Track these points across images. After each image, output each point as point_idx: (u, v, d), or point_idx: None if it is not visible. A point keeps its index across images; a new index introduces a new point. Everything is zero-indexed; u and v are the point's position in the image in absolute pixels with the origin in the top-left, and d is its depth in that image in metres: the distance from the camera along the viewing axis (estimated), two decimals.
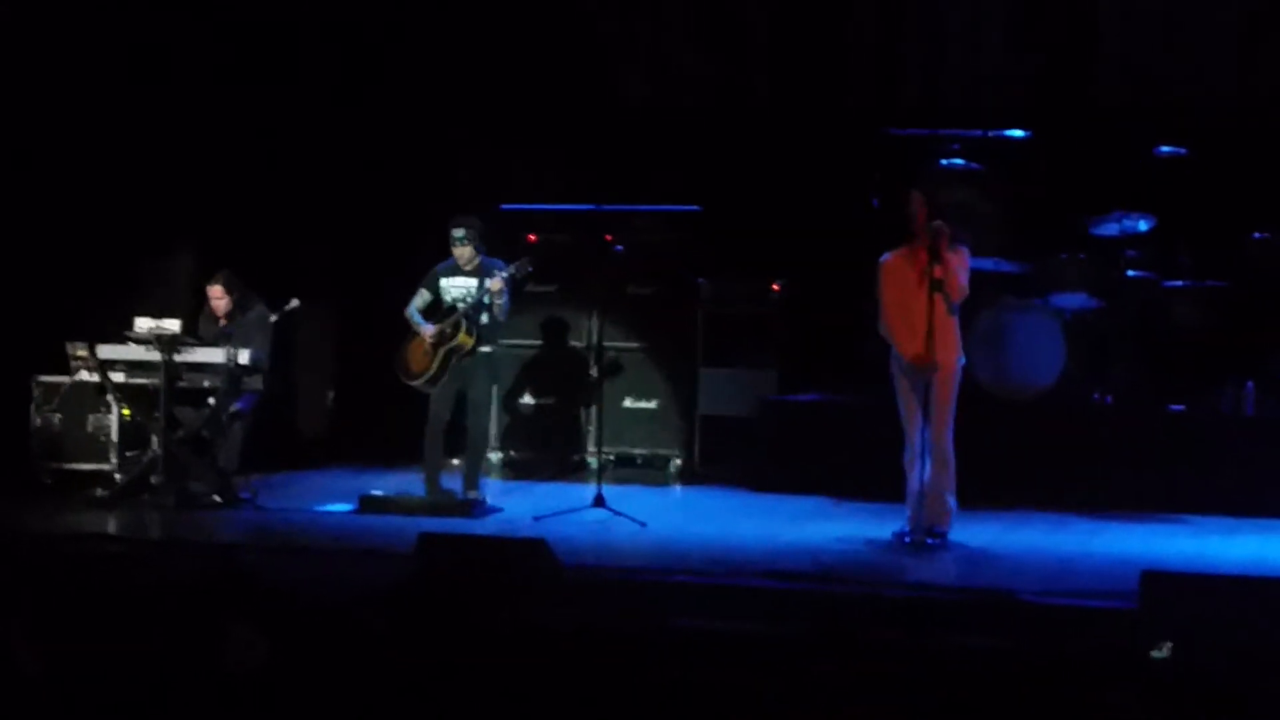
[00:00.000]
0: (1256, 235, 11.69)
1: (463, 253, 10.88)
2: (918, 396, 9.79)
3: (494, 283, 10.73)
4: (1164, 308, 11.65)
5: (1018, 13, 12.86)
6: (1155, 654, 6.90)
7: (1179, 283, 11.69)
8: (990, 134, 12.14)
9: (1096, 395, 11.62)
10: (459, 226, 10.87)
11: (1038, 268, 11.74)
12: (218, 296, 11.31)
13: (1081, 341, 11.52)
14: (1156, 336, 11.64)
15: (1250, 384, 11.34)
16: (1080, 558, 9.61)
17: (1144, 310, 11.65)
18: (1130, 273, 11.71)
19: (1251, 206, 11.79)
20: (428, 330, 10.88)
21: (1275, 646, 6.91)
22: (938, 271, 9.66)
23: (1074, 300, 11.60)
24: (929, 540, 9.74)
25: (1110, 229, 11.71)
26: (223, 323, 11.34)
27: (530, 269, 11.03)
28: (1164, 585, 7.31)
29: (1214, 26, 12.53)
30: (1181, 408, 11.43)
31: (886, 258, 9.94)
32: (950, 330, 9.82)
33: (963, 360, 9.94)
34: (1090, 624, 7.96)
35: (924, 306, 9.66)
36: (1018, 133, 12.16)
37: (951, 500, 9.86)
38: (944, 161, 12.03)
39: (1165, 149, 11.72)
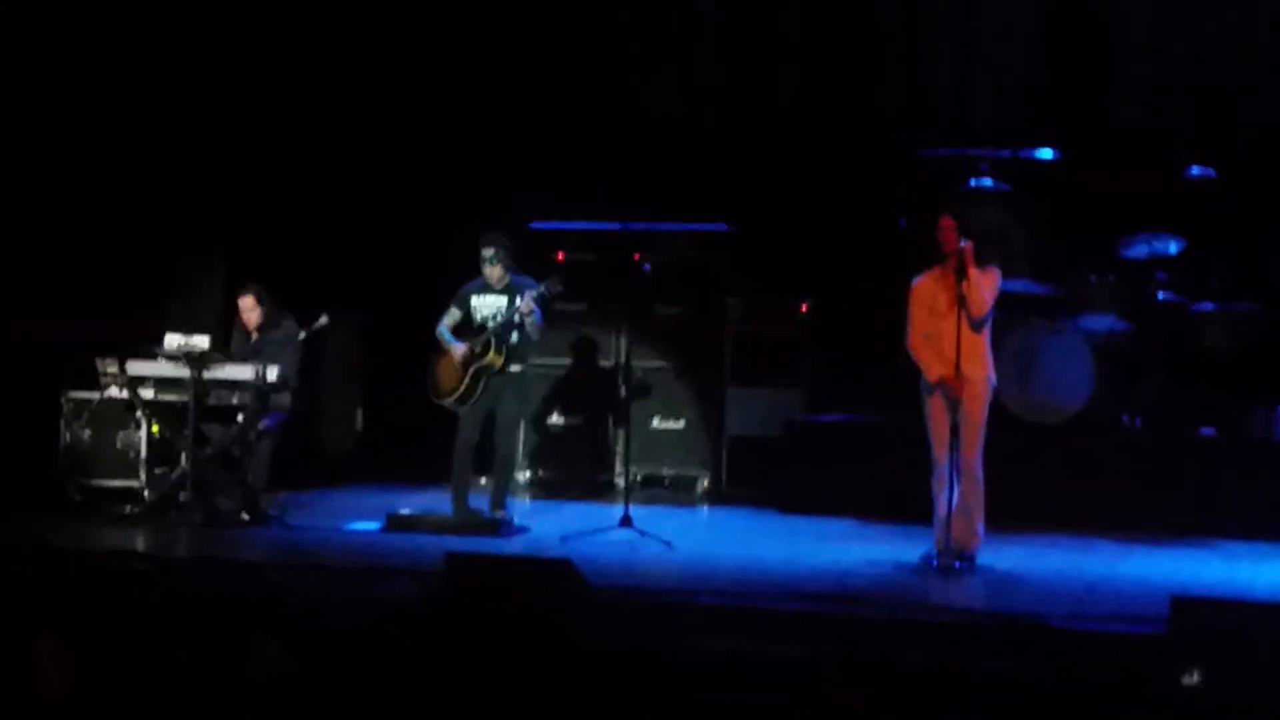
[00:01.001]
0: None
1: (493, 272, 10.89)
2: (948, 418, 9.76)
3: (524, 304, 10.72)
4: (1194, 330, 11.60)
5: (1044, 31, 12.82)
6: (1185, 680, 6.86)
7: (1209, 305, 11.65)
8: (1019, 154, 12.10)
9: (1125, 418, 11.57)
10: (489, 246, 10.87)
11: (1067, 289, 11.71)
12: (249, 308, 11.33)
13: (1111, 364, 11.48)
14: (1186, 359, 11.59)
15: None
16: (1108, 582, 9.55)
17: (1173, 333, 11.61)
18: (1160, 295, 11.68)
19: None
20: (458, 349, 10.89)
21: None
22: (964, 288, 9.64)
23: (1103, 322, 11.57)
24: (956, 563, 9.70)
25: (1140, 251, 11.68)
26: (254, 336, 11.36)
27: (561, 288, 11.00)
28: (1193, 611, 7.27)
29: (1243, 45, 12.47)
30: (1211, 431, 11.39)
31: (917, 280, 9.92)
32: (979, 349, 9.77)
33: (993, 380, 9.90)
34: (1119, 650, 7.92)
35: (953, 329, 9.63)
36: (1047, 153, 12.13)
37: (979, 523, 9.82)
38: (973, 182, 12.01)
39: (1195, 170, 11.69)
